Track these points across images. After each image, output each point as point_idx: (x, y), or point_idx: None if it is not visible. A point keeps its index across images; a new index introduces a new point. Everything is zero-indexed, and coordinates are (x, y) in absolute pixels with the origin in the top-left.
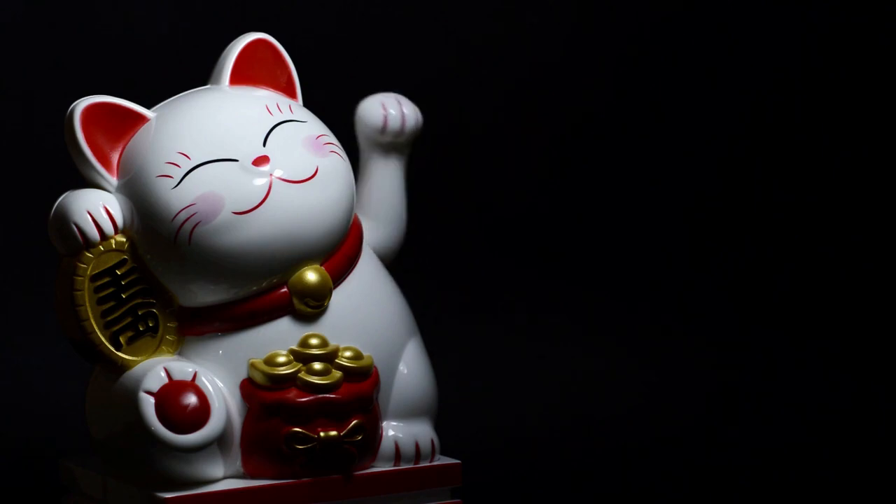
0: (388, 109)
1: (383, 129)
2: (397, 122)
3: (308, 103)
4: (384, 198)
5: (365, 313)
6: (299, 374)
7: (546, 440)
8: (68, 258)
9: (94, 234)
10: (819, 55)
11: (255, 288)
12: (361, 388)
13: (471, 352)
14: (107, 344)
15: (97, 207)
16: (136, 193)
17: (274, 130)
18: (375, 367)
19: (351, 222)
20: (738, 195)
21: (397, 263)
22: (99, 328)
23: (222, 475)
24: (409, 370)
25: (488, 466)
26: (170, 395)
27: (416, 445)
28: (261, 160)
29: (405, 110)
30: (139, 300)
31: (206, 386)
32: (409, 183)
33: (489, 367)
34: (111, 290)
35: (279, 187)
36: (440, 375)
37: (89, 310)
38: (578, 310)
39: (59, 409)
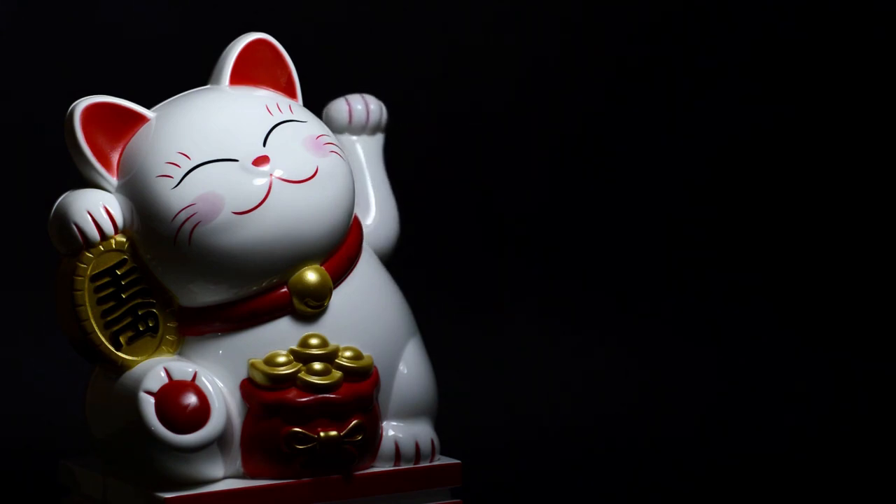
0: (354, 105)
1: (349, 122)
2: (362, 116)
3: (308, 103)
4: (367, 177)
5: (365, 313)
6: (299, 374)
7: (546, 440)
8: (68, 258)
9: (94, 234)
10: (819, 55)
11: (255, 288)
12: (361, 388)
13: (471, 352)
14: (107, 344)
15: (97, 207)
16: (136, 193)
17: (274, 130)
18: (375, 367)
19: (351, 222)
20: (738, 195)
21: (397, 263)
22: (99, 328)
23: (222, 475)
24: (409, 370)
25: (488, 466)
26: (170, 395)
27: (416, 445)
28: (261, 160)
29: (370, 105)
30: (139, 300)
31: (206, 386)
32: (409, 182)
33: (489, 367)
34: (111, 290)
35: (279, 187)
36: (440, 375)
37: (89, 310)
38: (579, 309)
39: (59, 409)
